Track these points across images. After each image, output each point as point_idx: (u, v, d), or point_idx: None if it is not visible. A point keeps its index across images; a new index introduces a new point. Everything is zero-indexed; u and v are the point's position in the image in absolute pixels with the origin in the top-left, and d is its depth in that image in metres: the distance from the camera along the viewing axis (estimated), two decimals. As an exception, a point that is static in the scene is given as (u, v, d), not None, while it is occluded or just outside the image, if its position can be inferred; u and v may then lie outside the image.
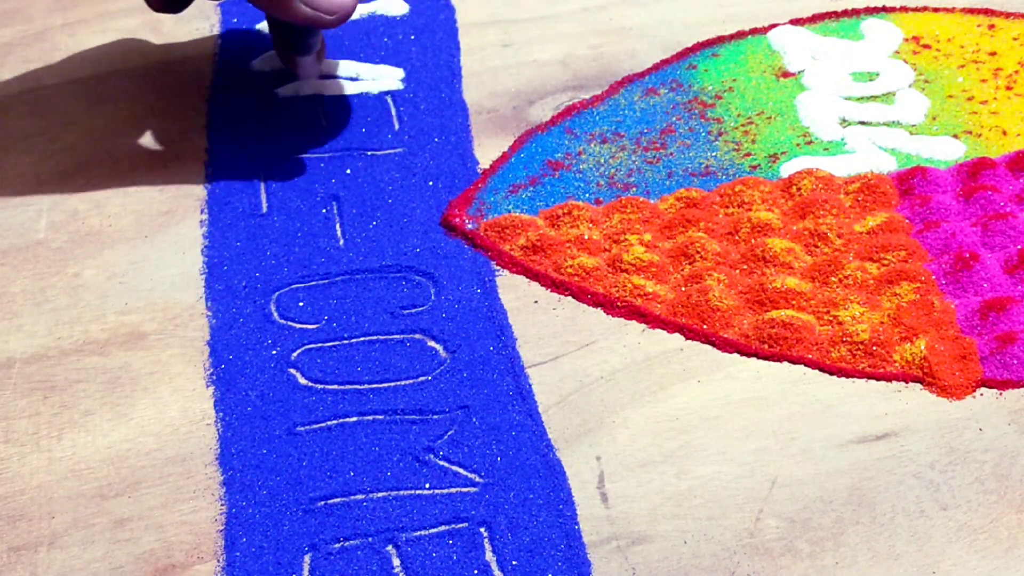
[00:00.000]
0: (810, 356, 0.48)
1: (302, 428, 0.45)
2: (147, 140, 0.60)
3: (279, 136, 0.59)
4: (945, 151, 0.57)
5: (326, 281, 0.52)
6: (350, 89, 0.62)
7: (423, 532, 0.41)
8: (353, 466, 0.44)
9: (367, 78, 0.63)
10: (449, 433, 0.45)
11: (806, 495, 0.43)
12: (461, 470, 0.44)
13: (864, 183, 0.55)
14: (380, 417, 0.46)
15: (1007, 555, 0.40)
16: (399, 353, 0.48)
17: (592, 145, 0.59)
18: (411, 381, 0.47)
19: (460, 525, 0.42)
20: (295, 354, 0.48)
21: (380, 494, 0.43)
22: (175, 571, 0.41)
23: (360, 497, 0.43)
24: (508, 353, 0.48)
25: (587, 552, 0.41)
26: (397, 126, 0.60)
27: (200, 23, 0.67)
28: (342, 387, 0.47)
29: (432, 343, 0.49)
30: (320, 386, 0.47)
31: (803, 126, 0.59)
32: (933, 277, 0.50)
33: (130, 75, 0.64)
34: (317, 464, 0.44)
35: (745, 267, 0.52)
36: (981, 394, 0.46)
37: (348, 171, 0.57)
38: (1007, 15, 0.66)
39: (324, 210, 0.55)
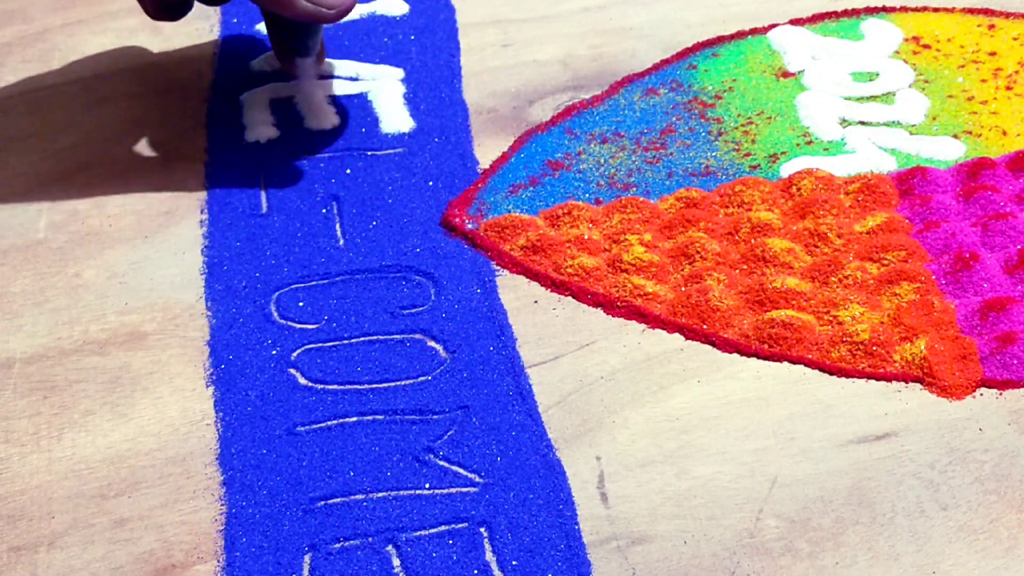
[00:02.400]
0: (810, 356, 0.48)
1: (302, 428, 0.45)
2: (147, 140, 0.60)
3: (279, 136, 0.59)
4: (945, 151, 0.57)
5: (326, 281, 0.52)
6: (349, 89, 0.62)
7: (423, 532, 0.41)
8: (353, 466, 0.44)
9: (367, 78, 0.63)
10: (449, 433, 0.45)
11: (806, 495, 0.43)
12: (461, 470, 0.44)
13: (864, 183, 0.55)
14: (380, 417, 0.46)
15: (1007, 555, 0.40)
16: (399, 353, 0.48)
17: (592, 145, 0.59)
18: (411, 381, 0.47)
19: (460, 525, 0.42)
20: (295, 354, 0.48)
21: (380, 494, 0.43)
22: (175, 571, 0.41)
23: (360, 497, 0.43)
24: (508, 353, 0.48)
25: (587, 552, 0.41)
26: (398, 126, 0.60)
27: (200, 23, 0.67)
28: (342, 387, 0.47)
29: (432, 343, 0.49)
30: (320, 386, 0.47)
31: (803, 126, 0.59)
32: (933, 277, 0.50)
33: (130, 75, 0.64)
34: (317, 464, 0.44)
35: (745, 267, 0.52)
36: (981, 394, 0.46)
37: (348, 171, 0.57)
38: (1007, 15, 0.66)
39: (324, 210, 0.55)
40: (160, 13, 0.55)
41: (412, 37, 0.66)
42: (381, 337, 0.49)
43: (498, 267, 0.52)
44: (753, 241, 0.52)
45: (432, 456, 0.44)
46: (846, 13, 0.67)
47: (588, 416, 0.46)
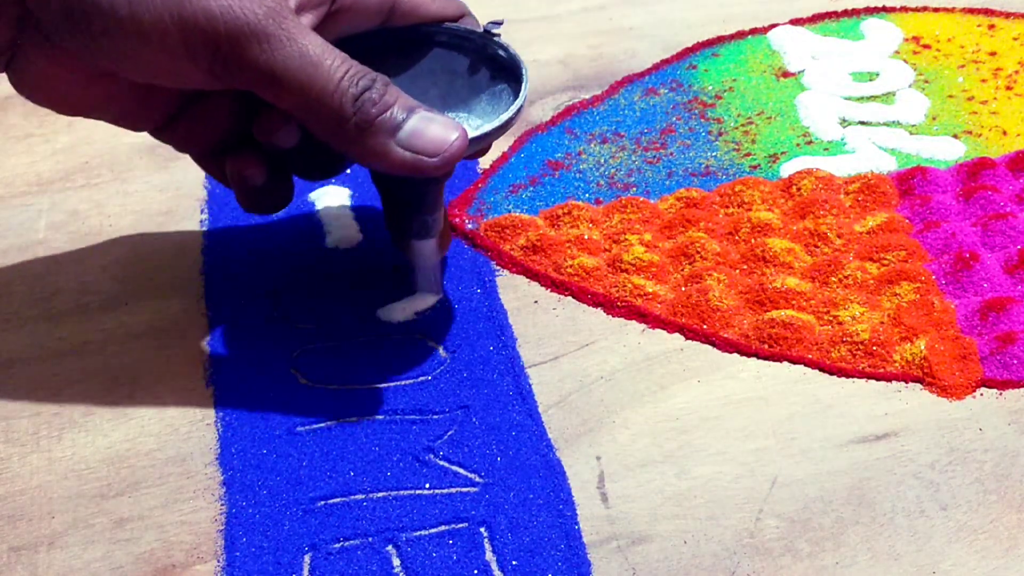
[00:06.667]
0: (810, 356, 0.48)
1: (302, 428, 0.45)
2: (147, 140, 0.60)
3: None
4: (945, 151, 0.57)
5: (326, 281, 0.52)
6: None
7: (423, 532, 0.41)
8: (353, 466, 0.44)
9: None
10: (449, 433, 0.45)
11: (806, 495, 0.43)
12: (461, 470, 0.44)
13: (864, 183, 0.55)
14: (380, 417, 0.46)
15: (1007, 555, 0.40)
16: (399, 353, 0.48)
17: (592, 145, 0.59)
18: (411, 381, 0.47)
19: (460, 525, 0.42)
20: (295, 354, 0.48)
21: (380, 494, 0.43)
22: (175, 571, 0.41)
23: (360, 497, 0.43)
24: (508, 353, 0.48)
25: (587, 552, 0.41)
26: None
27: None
28: (342, 387, 0.47)
29: (432, 343, 0.49)
30: (320, 386, 0.47)
31: (803, 126, 0.59)
32: (933, 277, 0.50)
33: (130, 75, 0.64)
34: (317, 464, 0.44)
35: (745, 267, 0.52)
36: (981, 394, 0.46)
37: (348, 171, 0.57)
38: (1007, 15, 0.66)
39: (325, 210, 0.55)
40: (255, 207, 0.48)
41: (412, 37, 0.66)
42: (381, 337, 0.49)
43: (498, 267, 0.52)
44: (753, 241, 0.52)
45: (432, 456, 0.44)
46: (846, 13, 0.67)
47: (588, 416, 0.46)
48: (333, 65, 0.41)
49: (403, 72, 0.48)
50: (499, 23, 0.47)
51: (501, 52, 0.47)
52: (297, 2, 0.42)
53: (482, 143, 0.45)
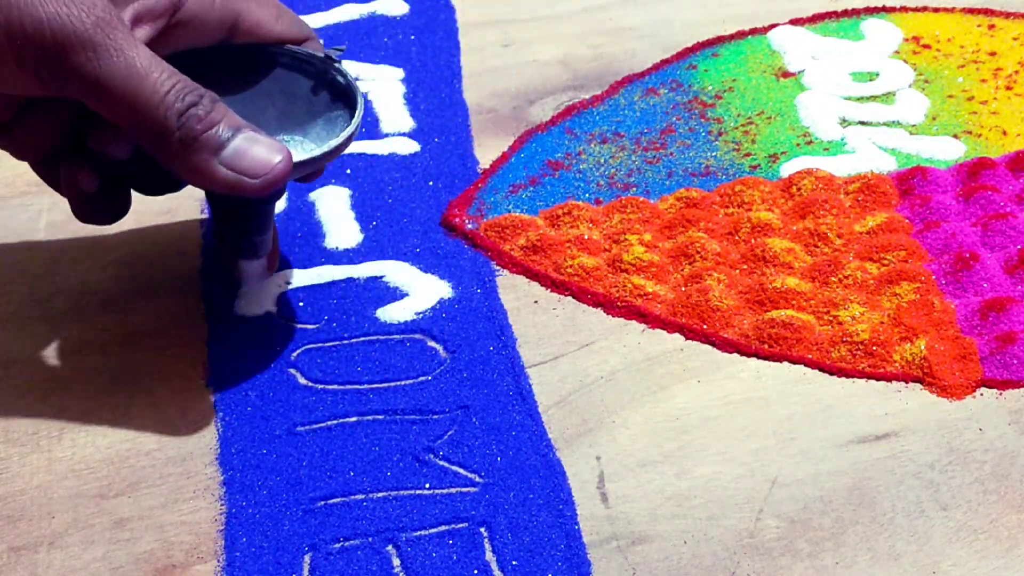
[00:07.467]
0: (810, 356, 0.48)
1: (302, 428, 0.45)
2: (147, 140, 0.60)
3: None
4: (945, 151, 0.57)
5: (326, 281, 0.52)
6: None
7: (423, 532, 0.41)
8: (353, 466, 0.44)
9: (367, 78, 0.63)
10: (449, 433, 0.45)
11: (806, 495, 0.43)
12: (461, 470, 0.44)
13: (864, 183, 0.55)
14: (380, 417, 0.46)
15: (1007, 555, 0.40)
16: (399, 353, 0.48)
17: (592, 145, 0.59)
18: (411, 381, 0.47)
19: (460, 525, 0.42)
20: (295, 354, 0.48)
21: (380, 494, 0.43)
22: (175, 571, 0.41)
23: (360, 497, 0.43)
24: (508, 353, 0.48)
25: (587, 552, 0.41)
26: (398, 126, 0.60)
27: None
28: (342, 387, 0.47)
29: (432, 343, 0.49)
30: (320, 386, 0.47)
31: (803, 126, 0.59)
32: (933, 277, 0.50)
33: (130, 75, 0.64)
34: (317, 464, 0.44)
35: (745, 267, 0.52)
36: (981, 394, 0.46)
37: (348, 171, 0.57)
38: (1007, 15, 0.66)
39: (324, 210, 0.55)
40: (88, 217, 0.47)
41: (412, 37, 0.66)
42: (381, 337, 0.49)
43: (498, 267, 0.52)
44: (753, 241, 0.52)
45: (432, 456, 0.44)
46: (846, 13, 0.67)
47: (588, 416, 0.46)
48: (160, 79, 0.41)
49: (242, 91, 0.47)
50: (341, 50, 0.48)
51: (340, 78, 0.47)
52: (133, 14, 0.42)
53: (310, 167, 0.45)
